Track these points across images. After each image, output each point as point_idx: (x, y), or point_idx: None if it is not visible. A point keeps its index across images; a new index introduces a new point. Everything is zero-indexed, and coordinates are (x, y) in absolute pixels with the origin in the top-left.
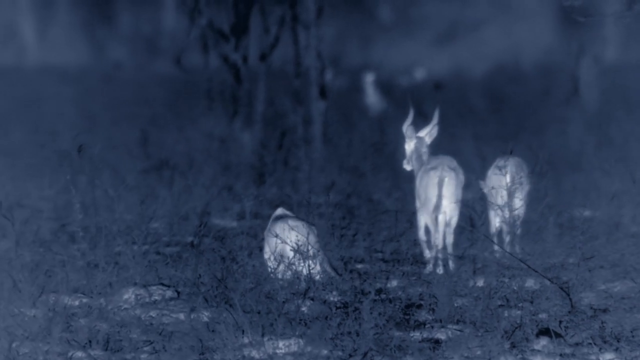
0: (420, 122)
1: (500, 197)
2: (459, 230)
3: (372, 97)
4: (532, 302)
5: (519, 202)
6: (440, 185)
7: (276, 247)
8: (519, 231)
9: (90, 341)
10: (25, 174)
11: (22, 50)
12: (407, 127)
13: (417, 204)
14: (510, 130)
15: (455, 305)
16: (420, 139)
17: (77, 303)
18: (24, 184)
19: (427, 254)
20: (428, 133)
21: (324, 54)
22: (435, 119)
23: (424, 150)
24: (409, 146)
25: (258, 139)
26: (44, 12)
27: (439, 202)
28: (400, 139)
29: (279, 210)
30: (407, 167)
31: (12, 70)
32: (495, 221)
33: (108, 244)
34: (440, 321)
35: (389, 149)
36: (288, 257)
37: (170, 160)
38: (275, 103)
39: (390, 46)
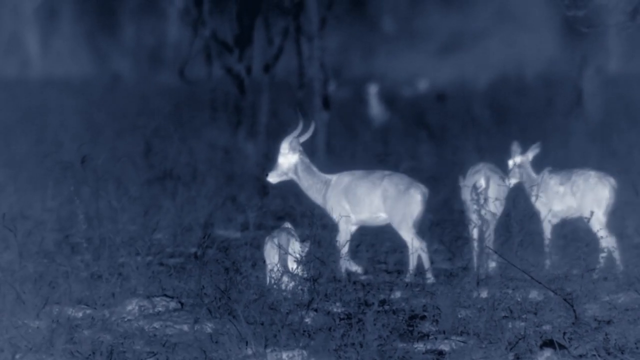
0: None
1: (502, 208)
2: (463, 242)
3: (375, 108)
4: (535, 314)
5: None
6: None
7: (279, 258)
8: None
9: (93, 352)
10: (29, 185)
11: (26, 61)
12: (293, 140)
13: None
14: (513, 141)
15: (459, 316)
16: (302, 151)
17: (80, 314)
18: (28, 195)
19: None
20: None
21: (327, 65)
22: (312, 128)
23: (308, 160)
24: (290, 159)
25: (261, 149)
26: (48, 24)
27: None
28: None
29: (286, 224)
30: (275, 180)
31: (16, 82)
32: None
33: (111, 255)
34: (444, 332)
35: (392, 160)
36: (292, 268)
37: (174, 171)
38: (278, 114)
39: (394, 57)
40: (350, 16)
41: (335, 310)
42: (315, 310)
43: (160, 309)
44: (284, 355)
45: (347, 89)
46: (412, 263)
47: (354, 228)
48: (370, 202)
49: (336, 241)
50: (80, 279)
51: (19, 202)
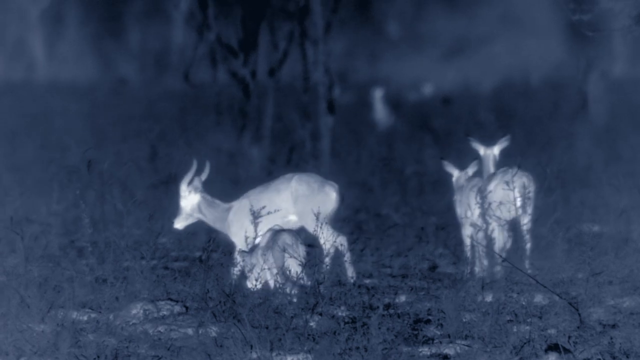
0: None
1: (508, 212)
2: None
3: (380, 113)
4: (540, 318)
5: (527, 217)
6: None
7: (284, 261)
8: (528, 246)
9: (98, 356)
10: (34, 189)
11: (32, 66)
12: (189, 181)
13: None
14: (518, 145)
15: (464, 320)
16: (202, 189)
17: (85, 318)
18: (33, 199)
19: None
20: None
21: (332, 69)
22: (207, 168)
23: (209, 196)
24: (192, 200)
25: (266, 153)
26: (53, 28)
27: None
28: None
29: (275, 227)
30: (181, 225)
31: (22, 86)
32: (501, 237)
33: (116, 259)
34: (449, 336)
35: (397, 164)
36: (296, 272)
37: (179, 175)
38: (283, 118)
39: (399, 61)
40: (355, 20)
41: (340, 314)
42: (320, 314)
43: (165, 312)
44: (289, 359)
45: (352, 93)
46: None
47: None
48: (276, 209)
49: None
50: (85, 283)
51: (25, 206)
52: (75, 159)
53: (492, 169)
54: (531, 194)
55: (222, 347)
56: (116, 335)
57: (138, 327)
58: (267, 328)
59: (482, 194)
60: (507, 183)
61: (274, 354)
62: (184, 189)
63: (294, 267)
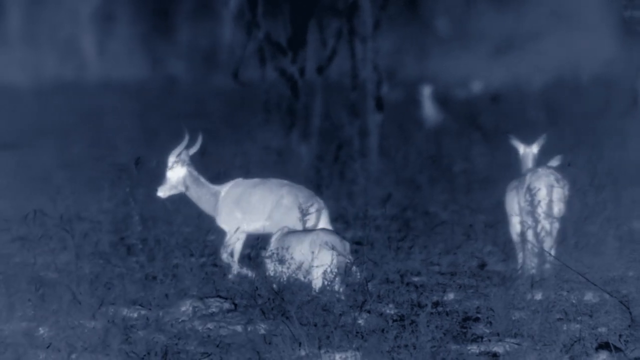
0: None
1: (555, 210)
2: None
3: (428, 110)
4: (591, 316)
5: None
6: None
7: (332, 261)
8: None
9: (148, 353)
10: (85, 187)
11: (83, 64)
12: (180, 152)
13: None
14: (568, 143)
15: (513, 318)
16: (190, 164)
17: (135, 315)
18: (84, 197)
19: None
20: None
21: (381, 67)
22: (199, 141)
23: (196, 172)
24: (178, 173)
25: (314, 151)
26: (105, 27)
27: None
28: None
29: (285, 229)
30: (164, 194)
31: (73, 85)
32: (549, 235)
33: (166, 256)
34: (498, 334)
35: (445, 162)
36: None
37: (227, 173)
38: (331, 116)
39: (447, 58)
40: (404, 17)
41: (388, 311)
42: (368, 312)
43: (213, 309)
44: (337, 356)
45: (401, 90)
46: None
47: (243, 236)
48: (263, 209)
49: (223, 246)
50: (135, 280)
51: (76, 204)
52: (125, 157)
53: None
54: (561, 193)
55: (270, 344)
56: (166, 332)
57: (187, 324)
58: (315, 325)
59: (531, 191)
60: (555, 181)
61: (322, 351)
62: (171, 160)
63: (342, 265)
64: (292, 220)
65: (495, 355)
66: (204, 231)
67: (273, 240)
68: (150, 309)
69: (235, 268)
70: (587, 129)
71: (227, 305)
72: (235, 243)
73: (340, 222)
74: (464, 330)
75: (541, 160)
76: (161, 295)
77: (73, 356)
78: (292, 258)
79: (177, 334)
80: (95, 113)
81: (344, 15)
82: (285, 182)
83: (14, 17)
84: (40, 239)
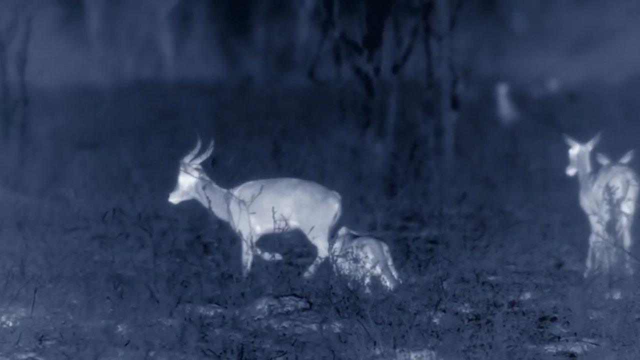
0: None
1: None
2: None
3: (504, 108)
4: None
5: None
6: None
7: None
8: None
9: (224, 351)
10: (163, 185)
11: (160, 64)
12: (191, 159)
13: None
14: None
15: (591, 318)
16: (201, 170)
17: (211, 313)
18: (162, 196)
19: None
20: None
21: (456, 65)
22: (211, 148)
23: (207, 178)
24: (189, 180)
25: (389, 150)
26: (182, 27)
27: None
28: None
29: (343, 230)
30: (176, 200)
31: (151, 84)
32: (627, 234)
33: (242, 254)
34: (575, 334)
35: (521, 160)
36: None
37: (303, 172)
38: (406, 114)
39: (524, 56)
40: (480, 15)
41: (463, 310)
42: (444, 311)
43: (289, 308)
44: (413, 355)
45: (476, 89)
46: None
47: (256, 238)
48: (278, 211)
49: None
50: (212, 279)
51: (154, 203)
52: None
53: (588, 167)
54: (638, 191)
55: (345, 343)
56: (242, 330)
57: (263, 323)
58: (390, 324)
59: (609, 190)
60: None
61: (397, 350)
62: (185, 166)
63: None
64: (318, 217)
65: (572, 355)
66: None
67: (340, 240)
68: (226, 307)
69: (246, 271)
70: None
71: (302, 304)
72: (248, 248)
73: (415, 220)
74: (541, 330)
75: (613, 157)
76: (237, 293)
77: (151, 353)
78: (366, 257)
79: (253, 332)
80: (172, 112)
81: (419, 14)
82: (295, 180)
83: (94, 18)
84: (118, 237)
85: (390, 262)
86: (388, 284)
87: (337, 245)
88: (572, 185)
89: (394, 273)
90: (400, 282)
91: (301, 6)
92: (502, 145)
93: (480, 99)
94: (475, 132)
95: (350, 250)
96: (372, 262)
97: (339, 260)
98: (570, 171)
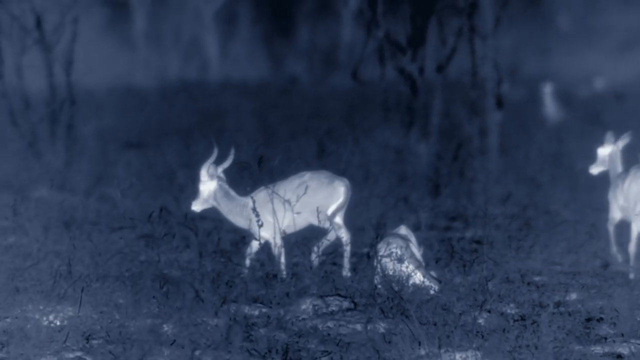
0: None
1: None
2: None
3: (550, 108)
4: None
5: None
6: None
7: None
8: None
9: (269, 350)
10: None
11: (205, 64)
12: (209, 166)
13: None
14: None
15: (638, 319)
16: (220, 177)
17: (256, 313)
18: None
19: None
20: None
21: (501, 64)
22: (231, 156)
23: (227, 186)
24: (209, 187)
25: (434, 150)
26: (227, 28)
27: None
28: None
29: (403, 229)
30: (198, 208)
31: (196, 84)
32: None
33: (286, 254)
34: (622, 335)
35: (567, 160)
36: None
37: (347, 172)
38: (451, 114)
39: (569, 55)
40: (525, 14)
41: (509, 311)
42: (489, 311)
43: (333, 308)
44: (458, 356)
45: (521, 88)
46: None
47: (279, 237)
48: (289, 204)
49: (276, 255)
50: (256, 278)
51: None
52: (246, 156)
53: (619, 166)
54: None
55: (390, 343)
56: (286, 330)
57: (308, 323)
58: (435, 325)
59: None
60: None
61: (442, 350)
62: (203, 173)
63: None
64: (320, 200)
65: (619, 356)
66: (323, 230)
67: (386, 240)
68: (271, 307)
69: (282, 272)
70: None
71: (346, 304)
72: (280, 244)
73: (460, 220)
74: (587, 330)
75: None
76: (282, 293)
77: (197, 353)
78: (411, 257)
79: (297, 332)
80: (217, 112)
81: (464, 13)
82: (306, 172)
83: (139, 19)
84: (164, 237)
85: (419, 257)
86: (419, 280)
87: (382, 245)
88: None
89: (421, 271)
90: (439, 280)
91: (345, 6)
92: (547, 145)
93: (526, 99)
94: (520, 132)
95: (395, 250)
96: (398, 259)
97: (383, 260)
98: (595, 170)
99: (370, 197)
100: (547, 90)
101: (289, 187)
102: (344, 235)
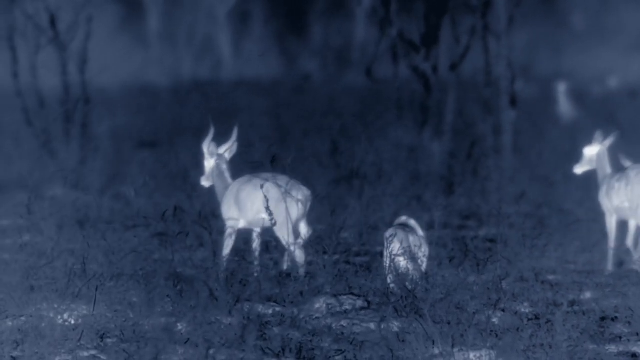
0: (610, 131)
1: None
2: None
3: (563, 106)
4: None
5: None
6: None
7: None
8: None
9: (283, 349)
10: None
11: (219, 63)
12: (208, 144)
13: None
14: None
15: None
16: (220, 156)
17: (270, 312)
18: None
19: None
20: (228, 150)
21: (515, 63)
22: (234, 136)
23: (225, 167)
24: (209, 163)
25: (447, 148)
26: (240, 26)
27: None
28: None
29: (403, 218)
30: (206, 183)
31: (209, 83)
32: None
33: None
34: (637, 334)
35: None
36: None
37: (360, 170)
38: (464, 113)
39: (583, 54)
40: (538, 13)
41: (523, 310)
42: (503, 310)
43: (347, 307)
44: (472, 355)
45: (535, 86)
46: (286, 261)
47: (235, 231)
48: (252, 204)
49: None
50: (270, 277)
51: (212, 202)
52: (259, 155)
53: (608, 167)
54: None
55: (404, 342)
56: (300, 328)
57: (321, 321)
58: (449, 324)
59: None
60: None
61: (456, 349)
62: (204, 150)
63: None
64: (282, 211)
65: (634, 355)
66: (337, 228)
67: (396, 237)
68: (284, 306)
69: (222, 264)
70: None
71: (360, 303)
72: (229, 237)
73: (474, 219)
74: (602, 329)
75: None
76: (295, 292)
77: (211, 351)
78: (424, 255)
79: (311, 330)
80: (230, 111)
81: (477, 12)
82: (269, 174)
83: (153, 18)
84: (178, 235)
85: (423, 253)
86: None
87: (396, 243)
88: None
89: (424, 265)
90: (427, 275)
91: (359, 5)
92: (561, 144)
93: (539, 97)
94: (534, 130)
95: (406, 248)
96: (398, 252)
97: (399, 258)
98: (579, 170)
99: (384, 195)
100: (561, 89)
101: (252, 189)
102: (307, 231)
